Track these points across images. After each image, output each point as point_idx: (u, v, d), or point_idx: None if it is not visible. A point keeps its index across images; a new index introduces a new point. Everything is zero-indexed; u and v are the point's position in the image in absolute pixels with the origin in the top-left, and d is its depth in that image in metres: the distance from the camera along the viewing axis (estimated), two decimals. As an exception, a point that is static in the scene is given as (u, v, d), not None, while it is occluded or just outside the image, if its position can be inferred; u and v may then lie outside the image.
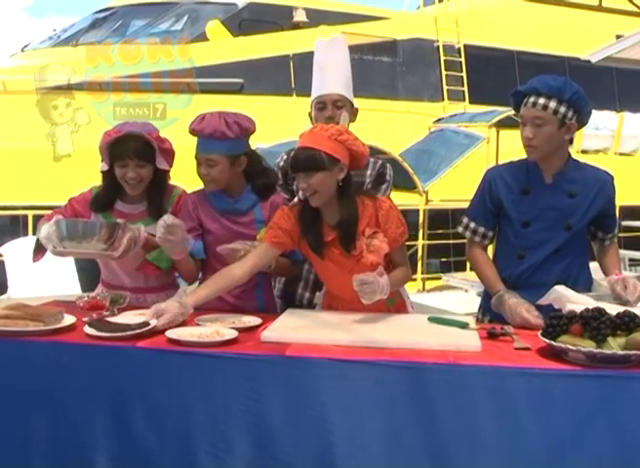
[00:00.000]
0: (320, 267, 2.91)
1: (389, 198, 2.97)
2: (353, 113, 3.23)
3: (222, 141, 2.90)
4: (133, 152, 2.92)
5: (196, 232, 3.00)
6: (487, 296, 2.98)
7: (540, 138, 2.81)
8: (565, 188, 2.87)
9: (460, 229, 3.06)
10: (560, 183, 2.88)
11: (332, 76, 3.23)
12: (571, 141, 2.90)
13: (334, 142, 2.70)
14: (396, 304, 2.96)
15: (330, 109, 3.16)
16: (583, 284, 2.91)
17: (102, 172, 3.04)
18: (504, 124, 9.51)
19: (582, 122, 2.88)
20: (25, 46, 12.76)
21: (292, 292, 3.28)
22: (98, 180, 3.10)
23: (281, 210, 2.87)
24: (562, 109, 2.79)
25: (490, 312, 2.93)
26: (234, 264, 2.79)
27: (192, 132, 2.94)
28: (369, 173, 3.23)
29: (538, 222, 2.88)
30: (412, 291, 3.35)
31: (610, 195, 2.95)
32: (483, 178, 3.02)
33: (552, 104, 2.78)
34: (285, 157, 3.32)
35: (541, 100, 2.78)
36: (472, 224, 3.01)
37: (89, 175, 3.08)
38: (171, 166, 3.07)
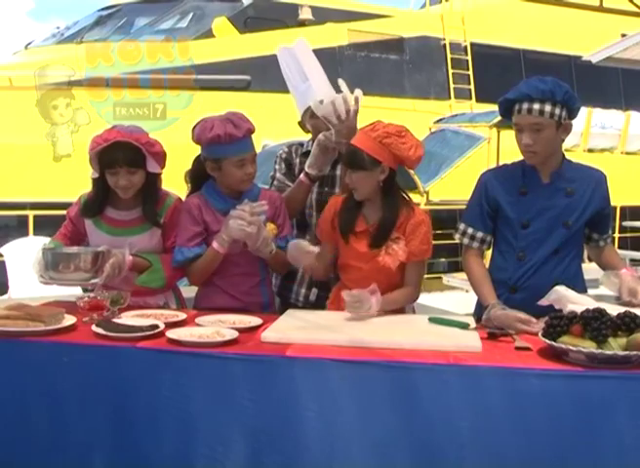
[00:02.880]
0: (342, 254, 2.95)
1: (425, 213, 2.98)
2: None
3: (250, 139, 2.98)
4: (123, 160, 2.90)
5: (202, 237, 2.98)
6: (480, 304, 2.93)
7: (541, 143, 2.79)
8: (562, 187, 2.86)
9: (457, 236, 3.01)
10: (557, 182, 2.86)
11: (318, 82, 3.25)
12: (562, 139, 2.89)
13: (377, 144, 2.80)
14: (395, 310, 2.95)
15: None
16: (581, 285, 2.90)
17: (93, 178, 3.02)
18: (505, 124, 9.47)
19: (573, 117, 2.87)
20: (29, 43, 12.76)
21: (288, 289, 3.29)
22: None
23: (330, 201, 2.99)
24: (557, 111, 2.77)
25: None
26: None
27: (219, 137, 2.87)
28: None
29: (537, 223, 2.86)
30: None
31: (605, 193, 2.94)
32: (478, 182, 3.00)
33: (548, 108, 2.76)
34: (286, 149, 3.39)
35: (536, 106, 2.76)
36: (470, 230, 2.96)
37: (89, 174, 3.08)
38: (163, 167, 3.04)
